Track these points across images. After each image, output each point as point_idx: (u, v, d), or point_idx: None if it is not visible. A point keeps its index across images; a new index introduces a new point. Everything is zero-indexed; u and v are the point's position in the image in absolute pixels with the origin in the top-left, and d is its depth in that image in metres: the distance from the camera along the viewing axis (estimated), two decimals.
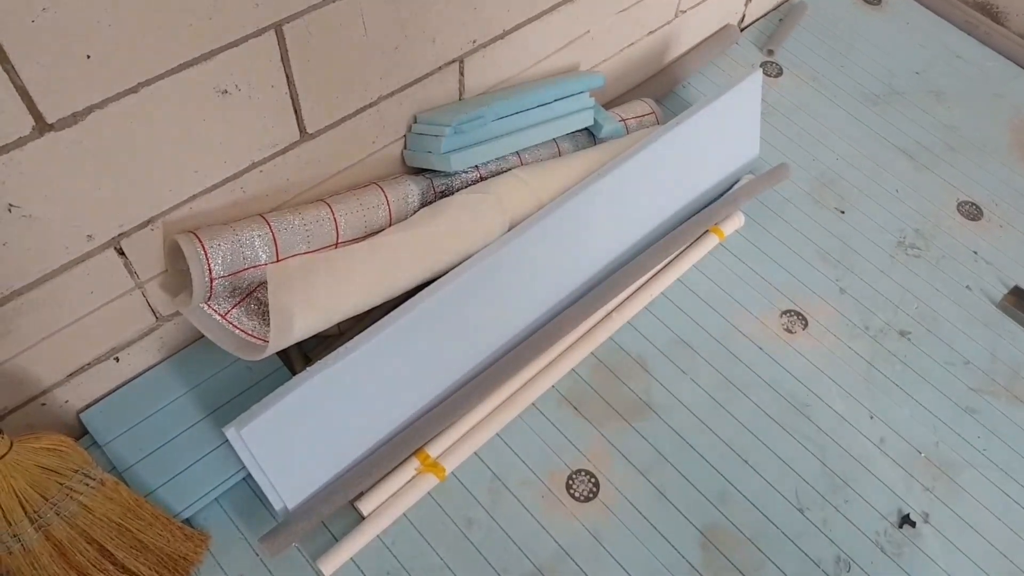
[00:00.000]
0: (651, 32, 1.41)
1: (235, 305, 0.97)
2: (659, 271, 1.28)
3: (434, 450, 1.08)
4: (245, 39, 0.83)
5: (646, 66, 1.48)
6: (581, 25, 1.25)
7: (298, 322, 0.94)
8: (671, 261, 1.29)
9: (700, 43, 1.56)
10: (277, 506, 0.99)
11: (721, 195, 1.37)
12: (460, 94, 1.15)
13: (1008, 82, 1.66)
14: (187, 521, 1.01)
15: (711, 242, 1.33)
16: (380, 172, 1.12)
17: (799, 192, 1.43)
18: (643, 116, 1.36)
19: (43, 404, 0.97)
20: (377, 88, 1.02)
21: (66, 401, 1.00)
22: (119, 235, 0.88)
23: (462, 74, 1.12)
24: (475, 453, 1.10)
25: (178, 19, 0.77)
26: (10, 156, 0.73)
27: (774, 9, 1.72)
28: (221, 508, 1.04)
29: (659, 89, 1.49)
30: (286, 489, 0.99)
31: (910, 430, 1.17)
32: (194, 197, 0.92)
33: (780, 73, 1.61)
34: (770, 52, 1.61)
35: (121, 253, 0.90)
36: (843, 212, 1.41)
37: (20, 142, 0.73)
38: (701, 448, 1.13)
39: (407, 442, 1.06)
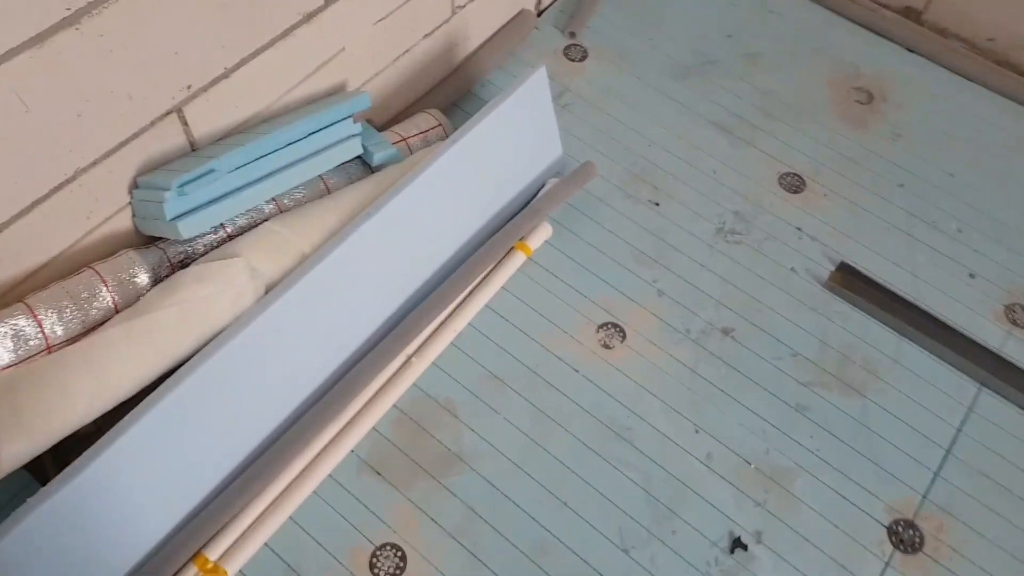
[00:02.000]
0: (427, 35, 1.29)
1: None
2: (463, 300, 1.18)
3: (214, 552, 0.96)
4: None
5: (432, 71, 1.35)
6: (331, 44, 1.11)
7: (4, 453, 0.81)
8: (475, 287, 1.19)
9: (492, 36, 1.44)
10: None
11: (525, 206, 1.27)
12: (192, 146, 1.00)
13: (826, 33, 1.59)
14: None
15: (518, 260, 1.22)
16: (111, 249, 0.97)
17: (610, 188, 1.34)
18: (428, 131, 1.24)
19: None
20: (69, 161, 0.87)
21: None
22: None
23: (186, 124, 0.97)
24: (266, 544, 0.99)
25: None
26: None
27: None
28: None
29: (453, 94, 1.37)
30: None
31: (738, 440, 1.11)
32: None
33: (584, 56, 1.50)
34: (572, 35, 1.50)
35: None
36: (658, 204, 1.33)
37: None
38: (517, 497, 1.04)
39: (180, 548, 0.93)
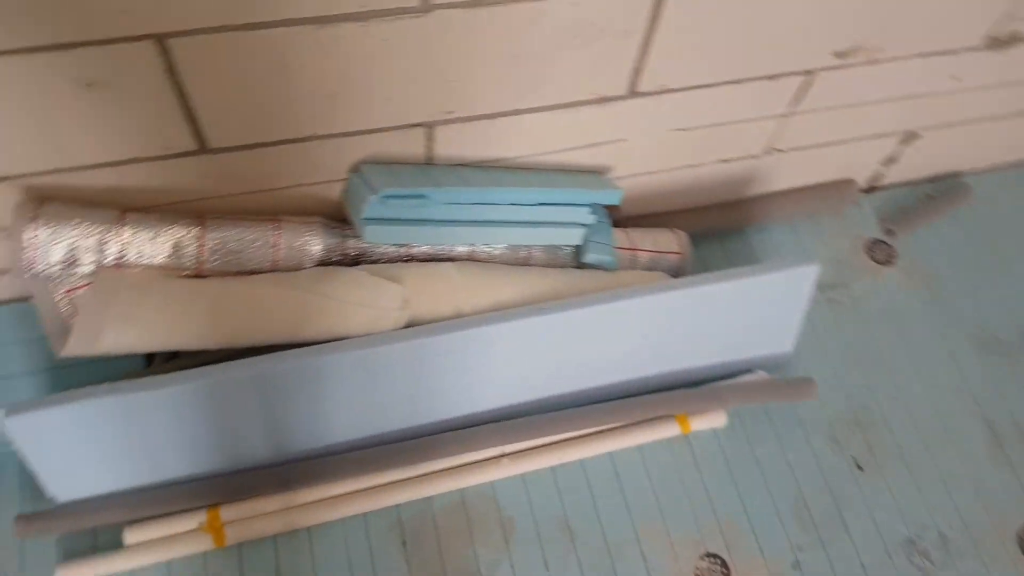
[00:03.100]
0: (724, 160, 1.16)
1: (74, 289, 0.91)
2: (589, 434, 1.07)
3: (228, 513, 0.98)
4: (113, 41, 0.73)
5: (708, 194, 1.23)
6: (614, 131, 1.03)
7: (108, 337, 0.86)
8: (611, 429, 1.08)
9: (799, 190, 1.27)
10: (49, 492, 0.94)
11: (713, 380, 1.12)
12: (428, 159, 0.99)
13: None
14: None
15: (671, 430, 1.09)
16: (307, 206, 0.99)
17: (819, 418, 1.14)
18: (664, 252, 1.13)
19: None
20: (307, 126, 0.89)
21: None
22: None
23: (431, 139, 0.96)
24: (273, 537, 0.99)
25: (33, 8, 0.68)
26: None
27: (927, 182, 1.37)
28: (19, 464, 1.00)
29: (718, 223, 1.23)
30: (58, 484, 0.93)
31: None
32: (60, 171, 0.85)
33: (889, 262, 1.28)
34: (889, 232, 1.28)
35: None
36: (861, 469, 1.11)
37: None
38: None
39: (202, 493, 0.96)
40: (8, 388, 0.99)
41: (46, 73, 0.74)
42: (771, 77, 1.03)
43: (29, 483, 0.98)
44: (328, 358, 0.91)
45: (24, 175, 0.85)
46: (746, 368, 1.13)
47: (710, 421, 1.10)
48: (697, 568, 1.02)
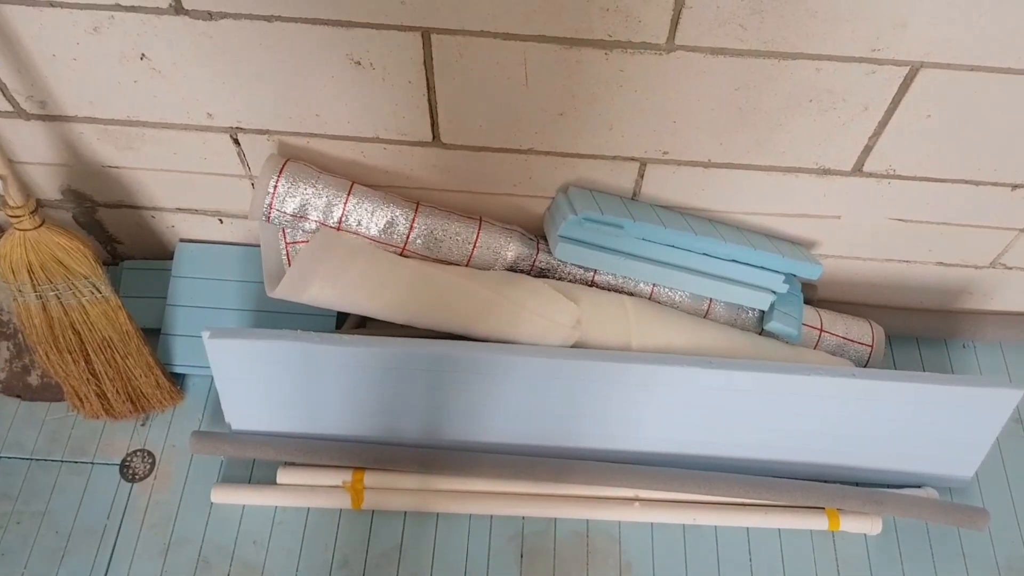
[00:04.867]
0: (942, 263, 1.09)
1: (295, 243, 1.01)
2: (734, 503, 1.04)
3: (371, 480, 1.04)
4: (387, 27, 0.82)
5: (920, 293, 1.15)
6: (830, 206, 1.00)
7: (314, 288, 0.95)
8: (757, 505, 1.04)
9: (1019, 313, 1.17)
10: (227, 419, 1.05)
11: (877, 486, 1.04)
12: (634, 194, 1.01)
13: None
14: (177, 376, 1.12)
15: (818, 523, 1.03)
16: (511, 216, 1.05)
17: (987, 555, 1.03)
18: (852, 341, 1.07)
19: (152, 216, 1.12)
20: (529, 140, 0.94)
21: (172, 226, 1.14)
22: (236, 127, 0.96)
23: (642, 177, 0.98)
24: (404, 513, 1.04)
25: None
26: (148, 17, 0.83)
27: None
28: (213, 387, 1.12)
29: (919, 327, 1.16)
30: (235, 412, 1.04)
31: None
32: (312, 135, 0.96)
33: None
34: None
35: (236, 143, 0.98)
36: None
37: (158, 11, 0.82)
38: None
39: (354, 454, 1.03)
40: (219, 317, 1.12)
41: (323, 45, 0.84)
42: (1014, 186, 0.97)
43: (215, 407, 1.09)
44: (502, 358, 0.95)
45: (281, 132, 0.96)
46: (917, 483, 1.06)
47: (863, 525, 1.03)
48: None
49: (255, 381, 0.98)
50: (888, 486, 1.05)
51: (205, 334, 0.96)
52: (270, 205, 0.95)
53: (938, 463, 1.04)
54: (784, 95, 0.86)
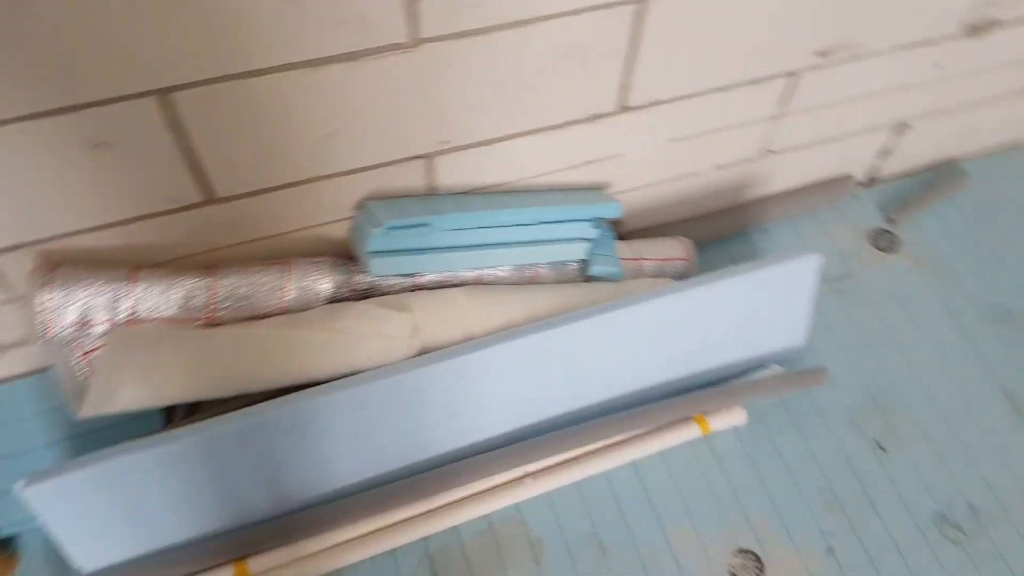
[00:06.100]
0: (721, 167, 1.18)
1: (89, 351, 0.92)
2: (611, 446, 1.08)
3: (258, 564, 0.98)
4: (119, 99, 0.75)
5: (709, 201, 1.24)
6: (610, 147, 1.05)
7: (125, 394, 0.87)
8: (632, 439, 1.08)
9: (798, 189, 1.29)
10: (75, 564, 0.94)
11: (732, 379, 1.12)
12: (431, 190, 1.00)
13: None
14: (7, 540, 0.99)
15: (692, 432, 1.09)
16: (316, 248, 1.01)
17: (838, 405, 1.15)
18: (668, 259, 1.14)
19: None
20: (307, 168, 0.91)
21: None
22: None
23: (431, 170, 0.98)
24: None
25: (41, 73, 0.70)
26: None
27: (924, 171, 1.38)
28: (43, 539, 1.00)
29: (721, 229, 1.25)
30: (82, 554, 0.93)
31: None
32: (72, 234, 0.87)
33: (893, 249, 1.29)
34: (891, 220, 1.30)
35: None
36: (884, 450, 1.11)
37: None
38: None
39: (228, 547, 0.96)
40: (29, 462, 0.99)
41: (54, 137, 0.76)
42: (755, 81, 1.05)
43: (55, 557, 0.98)
44: (322, 400, 0.90)
45: (36, 241, 0.87)
46: (762, 365, 1.14)
47: (729, 419, 1.11)
48: (731, 565, 1.02)
49: (92, 513, 0.89)
50: (743, 376, 1.13)
51: (19, 486, 0.85)
52: (47, 322, 0.86)
53: (774, 340, 1.14)
54: (535, 60, 0.88)
